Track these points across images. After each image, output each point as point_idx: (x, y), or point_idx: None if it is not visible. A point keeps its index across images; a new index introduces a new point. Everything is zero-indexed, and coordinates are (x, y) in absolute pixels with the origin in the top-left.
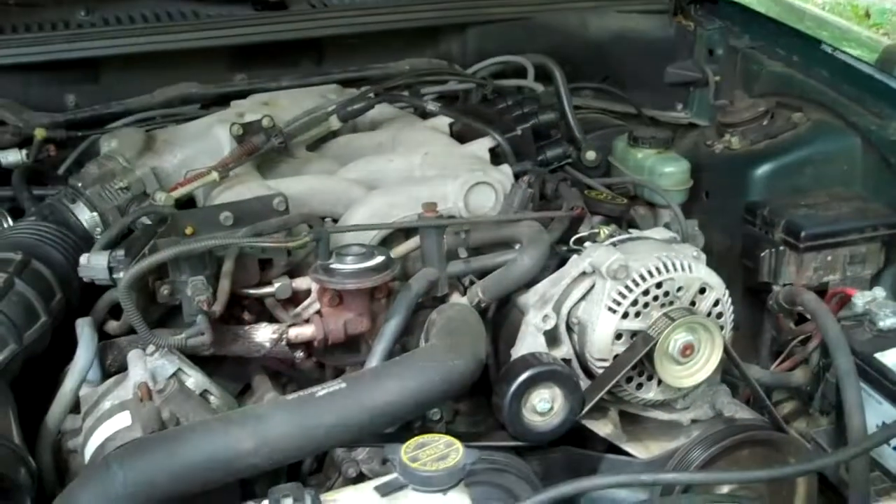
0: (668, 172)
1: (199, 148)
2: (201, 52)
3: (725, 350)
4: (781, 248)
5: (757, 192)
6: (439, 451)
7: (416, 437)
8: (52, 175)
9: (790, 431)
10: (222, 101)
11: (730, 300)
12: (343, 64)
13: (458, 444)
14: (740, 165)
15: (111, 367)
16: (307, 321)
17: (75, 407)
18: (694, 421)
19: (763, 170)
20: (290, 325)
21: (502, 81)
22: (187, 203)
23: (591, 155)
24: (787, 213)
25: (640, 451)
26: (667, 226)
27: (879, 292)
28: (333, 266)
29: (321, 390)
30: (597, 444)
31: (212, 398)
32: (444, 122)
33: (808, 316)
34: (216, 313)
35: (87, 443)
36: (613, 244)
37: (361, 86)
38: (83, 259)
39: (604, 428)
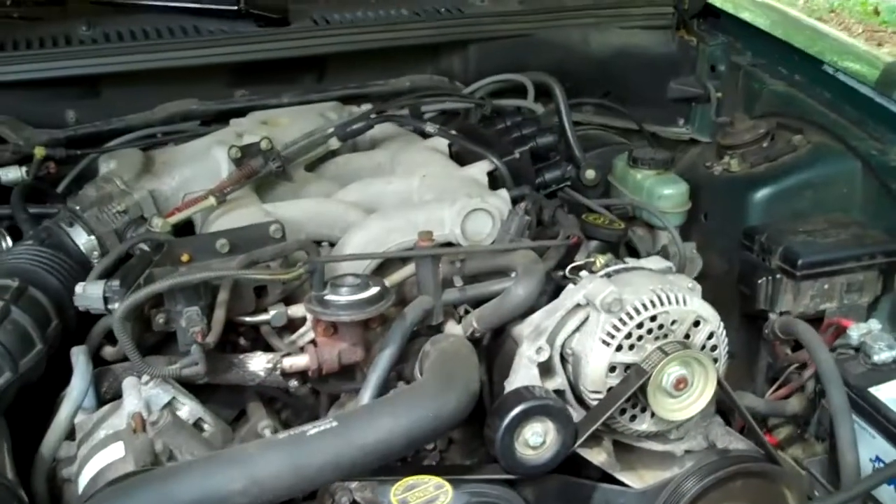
0: (667, 195)
1: (197, 170)
2: (202, 69)
3: (719, 383)
4: (778, 276)
5: (755, 216)
6: (428, 493)
7: (405, 479)
8: (51, 193)
9: (783, 463)
10: (223, 117)
11: (724, 332)
12: (344, 80)
13: (447, 487)
14: (739, 188)
15: (106, 394)
16: (302, 350)
17: (70, 434)
18: (688, 451)
19: (762, 194)
20: (284, 355)
21: (501, 101)
22: (185, 227)
23: (590, 174)
24: (784, 240)
25: (634, 480)
26: (665, 248)
27: (875, 325)
28: (328, 297)
29: (312, 428)
30: (591, 470)
31: (206, 426)
32: (443, 141)
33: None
34: (210, 345)
35: (82, 472)
36: (608, 275)
37: (362, 102)
38: (78, 288)
39: (598, 457)
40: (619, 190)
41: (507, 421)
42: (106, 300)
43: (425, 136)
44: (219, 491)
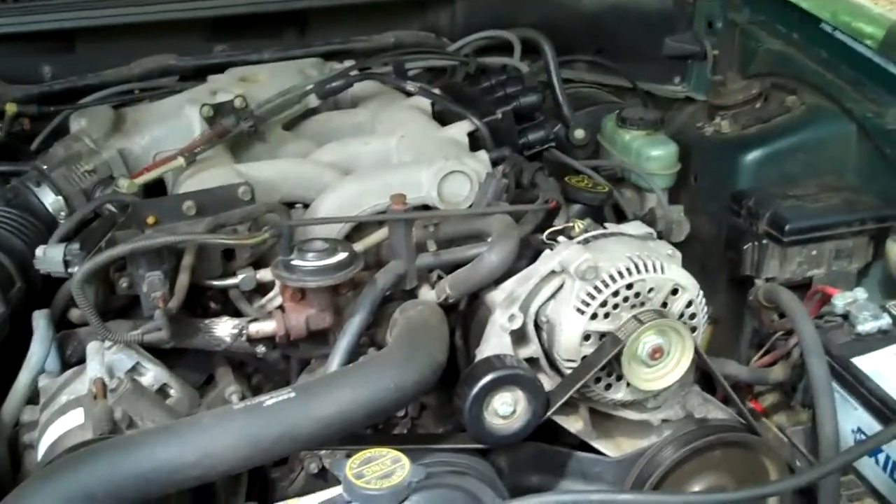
0: (655, 156)
1: (168, 129)
2: (181, 23)
3: (696, 352)
4: (765, 241)
5: (745, 179)
6: (385, 467)
7: (363, 452)
8: (24, 150)
9: (765, 433)
10: (201, 73)
11: (703, 301)
12: (327, 36)
13: (404, 461)
14: (730, 150)
15: (71, 358)
16: (270, 315)
17: (35, 398)
18: (665, 421)
19: (753, 156)
20: (250, 321)
21: (486, 59)
22: (156, 187)
23: (579, 133)
24: (772, 205)
25: (612, 448)
26: (652, 210)
27: (861, 293)
28: (294, 262)
29: (269, 399)
30: (569, 437)
31: (172, 391)
32: (426, 100)
33: None
34: (172, 310)
35: (42, 438)
36: (585, 241)
37: (345, 58)
38: (39, 251)
39: (574, 424)
40: (609, 151)
41: (475, 390)
42: (66, 263)
43: (409, 94)
44: (171, 462)
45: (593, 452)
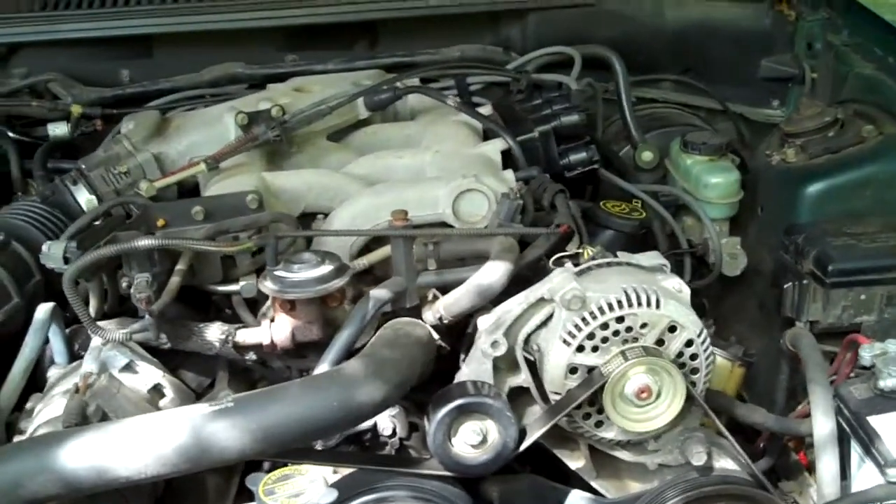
0: (713, 184)
1: (206, 135)
2: (255, 32)
3: (689, 395)
4: (805, 281)
5: (806, 213)
6: (298, 487)
7: (283, 469)
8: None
9: (771, 487)
10: (268, 81)
11: (706, 341)
12: (397, 48)
13: (319, 482)
14: (793, 181)
15: (80, 352)
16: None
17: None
18: (664, 465)
19: (815, 188)
20: (238, 328)
21: (545, 76)
22: (193, 191)
23: (647, 156)
24: (821, 243)
25: (616, 489)
26: (706, 240)
27: (892, 346)
28: (278, 273)
29: (210, 407)
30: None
31: (165, 391)
32: None
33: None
34: (154, 312)
35: (29, 426)
36: (587, 269)
37: (411, 71)
38: (44, 247)
39: (576, 461)
40: (673, 175)
41: (440, 415)
42: (66, 260)
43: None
44: (97, 463)
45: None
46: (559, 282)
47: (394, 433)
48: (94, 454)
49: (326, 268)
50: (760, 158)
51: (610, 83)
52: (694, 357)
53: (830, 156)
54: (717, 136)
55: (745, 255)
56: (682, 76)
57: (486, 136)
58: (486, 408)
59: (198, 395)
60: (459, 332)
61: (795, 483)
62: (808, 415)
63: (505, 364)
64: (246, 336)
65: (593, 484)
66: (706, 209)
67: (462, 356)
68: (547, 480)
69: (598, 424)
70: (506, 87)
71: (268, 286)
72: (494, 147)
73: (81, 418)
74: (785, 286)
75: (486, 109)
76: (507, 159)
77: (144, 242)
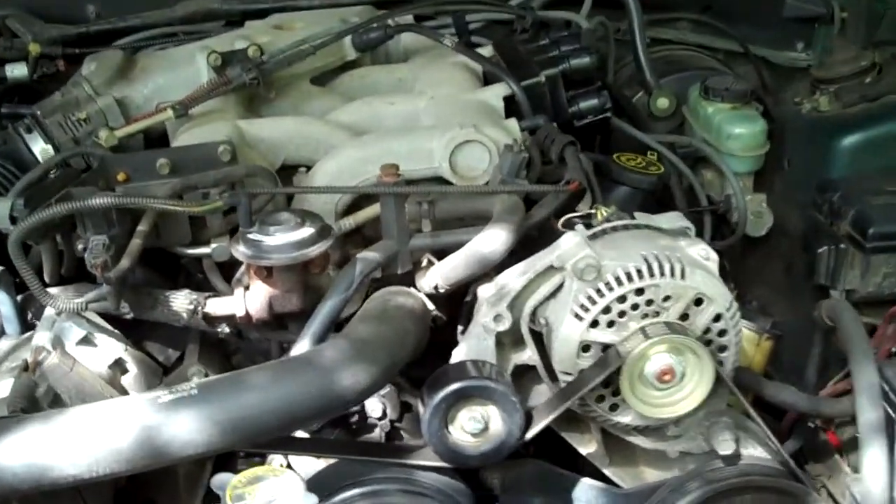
0: (737, 134)
1: (175, 78)
2: None
3: (718, 378)
4: (843, 245)
5: (840, 168)
6: (272, 491)
7: (254, 469)
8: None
9: (805, 477)
10: (248, 18)
11: (737, 316)
12: None
13: (295, 487)
14: (825, 132)
15: (33, 321)
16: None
17: None
18: (685, 453)
19: (849, 141)
20: (208, 297)
21: (549, 13)
22: (160, 140)
23: (662, 103)
24: (859, 202)
25: (631, 477)
26: (728, 197)
27: None
28: (252, 236)
29: (167, 395)
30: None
31: (128, 366)
32: None
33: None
34: (111, 279)
35: None
36: (602, 232)
37: (402, 8)
38: None
39: (586, 446)
40: (692, 124)
41: (435, 400)
42: (13, 220)
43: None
44: (42, 460)
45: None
46: (571, 248)
47: (384, 415)
48: (35, 450)
49: (307, 230)
50: (788, 106)
51: (623, 22)
52: (722, 333)
53: (867, 104)
54: (741, 81)
55: (770, 214)
56: (701, 15)
57: (487, 80)
58: (488, 392)
59: (165, 370)
60: (458, 300)
61: (824, 466)
62: (841, 393)
63: (508, 339)
64: (217, 306)
65: (606, 472)
66: (729, 162)
67: (460, 328)
68: (554, 467)
69: (613, 408)
70: (509, 25)
71: (241, 251)
72: (496, 93)
73: (30, 402)
74: (819, 251)
75: (486, 51)
76: (510, 106)
77: (100, 200)
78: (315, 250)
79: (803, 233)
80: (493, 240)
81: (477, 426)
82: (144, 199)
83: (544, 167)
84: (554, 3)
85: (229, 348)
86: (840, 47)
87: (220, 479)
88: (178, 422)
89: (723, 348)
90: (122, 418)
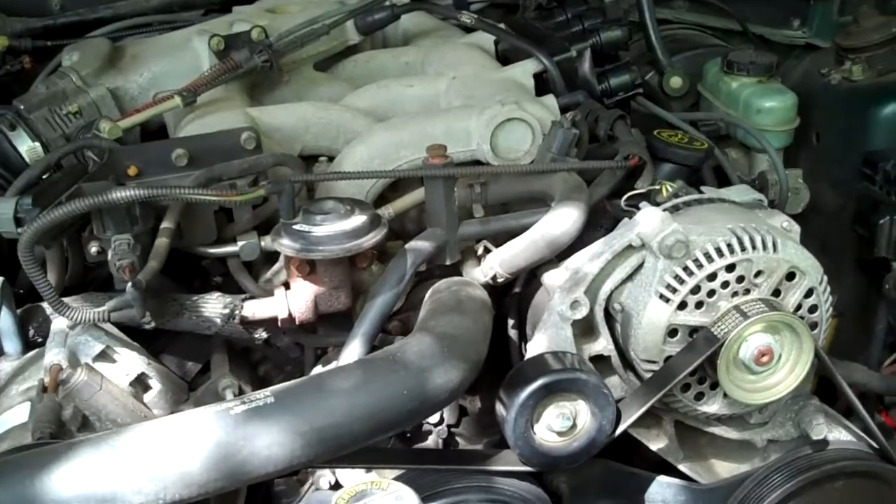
0: (768, 108)
1: (172, 64)
2: None
3: (818, 356)
4: None
5: (882, 138)
6: None
7: (358, 486)
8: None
9: None
10: (229, 6)
11: (828, 289)
12: None
13: (410, 499)
14: (862, 102)
15: (35, 338)
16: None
17: None
18: (772, 441)
19: (892, 108)
20: (245, 299)
21: None
22: (157, 134)
23: (675, 81)
24: None
25: (703, 472)
26: (762, 175)
27: None
28: (298, 228)
29: (240, 405)
30: (648, 452)
31: (151, 383)
32: (488, 37)
33: None
34: (142, 283)
35: None
36: (674, 208)
37: None
38: None
39: (656, 441)
40: (711, 102)
41: (521, 398)
42: (18, 221)
43: (469, 30)
44: (100, 490)
45: (679, 475)
46: (653, 224)
47: (441, 420)
48: (92, 478)
49: (359, 218)
50: (814, 77)
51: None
52: (813, 309)
53: None
54: (764, 54)
55: (808, 190)
56: None
57: (506, 60)
58: (578, 385)
59: (189, 386)
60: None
61: None
62: None
63: (579, 329)
64: (256, 308)
65: (681, 467)
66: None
67: (510, 322)
68: (624, 466)
69: (699, 397)
70: (507, 8)
71: (286, 244)
72: (525, 70)
73: (57, 426)
74: (880, 222)
75: (488, 35)
76: (538, 84)
77: (125, 193)
78: (369, 240)
79: (854, 206)
80: (564, 220)
81: (566, 423)
82: (179, 189)
83: (590, 145)
84: None
85: (255, 357)
86: (865, 15)
87: (317, 497)
88: (255, 435)
89: (814, 325)
90: (191, 436)
